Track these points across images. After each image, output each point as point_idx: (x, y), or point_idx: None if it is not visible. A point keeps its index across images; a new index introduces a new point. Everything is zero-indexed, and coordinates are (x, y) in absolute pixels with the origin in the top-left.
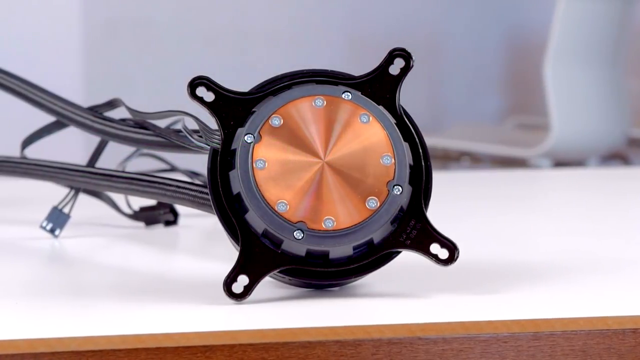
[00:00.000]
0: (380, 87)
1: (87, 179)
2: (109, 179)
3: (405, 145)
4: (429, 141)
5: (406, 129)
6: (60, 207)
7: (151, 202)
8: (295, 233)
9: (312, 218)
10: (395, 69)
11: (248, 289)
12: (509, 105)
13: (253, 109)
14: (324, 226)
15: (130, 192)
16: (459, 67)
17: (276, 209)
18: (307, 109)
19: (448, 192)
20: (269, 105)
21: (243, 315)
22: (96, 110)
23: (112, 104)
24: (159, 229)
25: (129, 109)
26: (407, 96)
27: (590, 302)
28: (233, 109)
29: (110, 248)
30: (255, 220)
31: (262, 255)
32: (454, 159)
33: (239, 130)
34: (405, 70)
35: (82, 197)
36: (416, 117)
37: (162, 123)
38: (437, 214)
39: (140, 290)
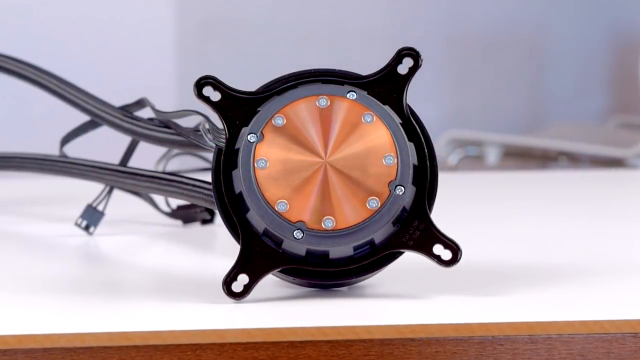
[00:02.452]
0: (387, 86)
1: (114, 177)
2: (133, 177)
3: (411, 145)
4: (528, 141)
5: (413, 129)
6: (94, 204)
7: None
8: (294, 233)
9: (312, 218)
10: (403, 68)
11: (247, 288)
12: (611, 104)
13: (258, 109)
14: (323, 226)
15: (153, 190)
16: (560, 66)
17: (276, 208)
18: (310, 109)
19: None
20: (272, 104)
21: (232, 313)
22: (127, 110)
23: (141, 103)
24: (196, 228)
25: (153, 108)
26: (507, 95)
27: (588, 306)
28: (239, 108)
29: (142, 246)
30: (256, 219)
31: (262, 255)
32: (552, 159)
33: (244, 129)
34: (413, 70)
35: (122, 195)
36: (515, 117)
37: (185, 122)
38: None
39: (159, 287)
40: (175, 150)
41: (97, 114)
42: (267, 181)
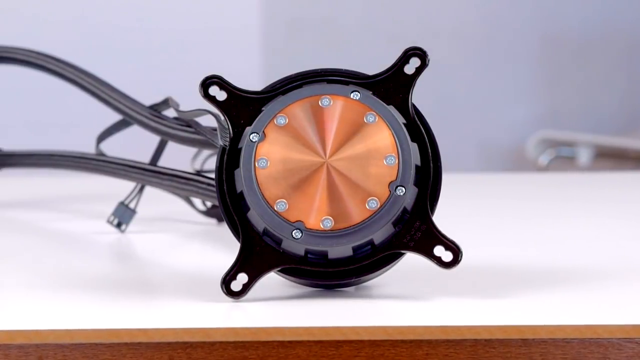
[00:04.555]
0: (393, 86)
1: (140, 175)
2: (157, 175)
3: (414, 145)
4: (622, 142)
5: (419, 129)
6: (126, 202)
7: None
8: (293, 232)
9: (311, 218)
10: (410, 68)
11: (246, 287)
12: None
13: (262, 108)
14: (322, 226)
15: (173, 189)
16: None
17: (275, 208)
18: (313, 109)
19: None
20: (275, 104)
21: (224, 312)
22: (155, 109)
23: (167, 102)
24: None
25: (175, 108)
26: (601, 95)
27: (584, 310)
28: (244, 108)
29: (168, 245)
30: (256, 219)
31: (262, 254)
32: None
33: (247, 129)
34: (420, 70)
35: (159, 193)
36: (609, 117)
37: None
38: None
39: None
40: (206, 150)
41: (127, 112)
42: (268, 181)
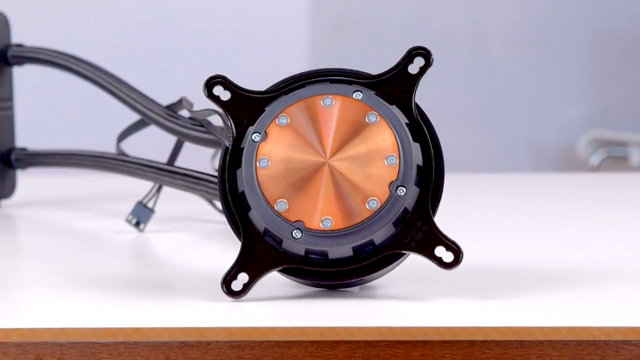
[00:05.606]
0: (397, 86)
1: (155, 175)
2: (170, 175)
3: (416, 145)
4: None
5: (421, 129)
6: (144, 201)
7: None
8: (293, 232)
9: (311, 218)
10: (414, 68)
11: (246, 287)
12: None
13: (265, 108)
14: (321, 226)
15: (184, 188)
16: None
17: (275, 207)
18: (314, 108)
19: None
20: (278, 104)
21: (219, 311)
22: (171, 109)
23: (182, 102)
24: None
25: (188, 108)
26: None
27: (581, 312)
28: (247, 107)
29: (184, 244)
30: (257, 218)
31: (263, 254)
32: None
33: (250, 128)
34: (423, 70)
35: (182, 192)
36: None
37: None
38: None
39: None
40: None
41: (144, 112)
42: (268, 180)
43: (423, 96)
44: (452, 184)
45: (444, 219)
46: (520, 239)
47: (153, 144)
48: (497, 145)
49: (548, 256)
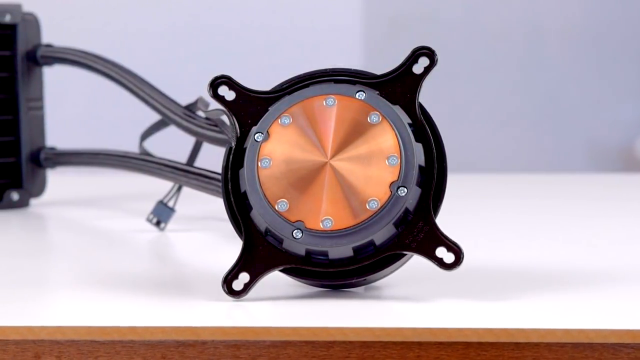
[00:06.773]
0: (401, 86)
1: (174, 175)
2: (184, 174)
3: (418, 146)
4: None
5: (425, 130)
6: (165, 201)
7: None
8: (294, 232)
9: (311, 218)
10: (419, 68)
11: (247, 287)
12: None
13: (269, 108)
14: (322, 226)
15: (199, 188)
16: None
17: (276, 207)
18: (317, 108)
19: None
20: (281, 104)
21: (216, 311)
22: (189, 109)
23: (198, 102)
24: None
25: (202, 109)
26: None
27: (578, 314)
28: (251, 107)
29: (207, 244)
30: (258, 218)
31: (264, 254)
32: None
33: (253, 128)
34: (428, 69)
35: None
36: None
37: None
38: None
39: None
40: None
41: (164, 112)
42: (269, 180)
43: (478, 95)
44: (497, 184)
45: (468, 219)
46: (532, 239)
47: (176, 143)
48: (555, 145)
49: (548, 258)
